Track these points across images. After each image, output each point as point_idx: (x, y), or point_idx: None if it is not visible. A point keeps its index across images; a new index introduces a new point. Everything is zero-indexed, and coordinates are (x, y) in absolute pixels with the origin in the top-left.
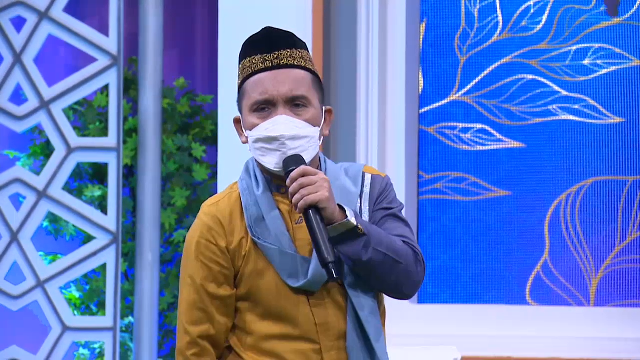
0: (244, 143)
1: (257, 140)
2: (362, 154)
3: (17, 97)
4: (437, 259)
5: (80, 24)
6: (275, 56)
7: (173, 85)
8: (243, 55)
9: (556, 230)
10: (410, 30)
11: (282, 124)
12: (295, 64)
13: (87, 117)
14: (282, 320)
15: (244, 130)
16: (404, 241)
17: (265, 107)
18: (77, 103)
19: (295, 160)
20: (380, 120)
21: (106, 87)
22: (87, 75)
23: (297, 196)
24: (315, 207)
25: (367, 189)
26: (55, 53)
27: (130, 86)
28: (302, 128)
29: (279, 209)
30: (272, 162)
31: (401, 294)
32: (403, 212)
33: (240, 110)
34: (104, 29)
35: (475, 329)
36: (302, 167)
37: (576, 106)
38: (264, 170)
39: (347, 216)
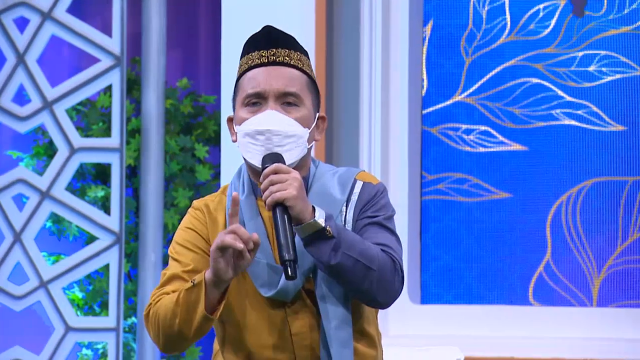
0: (234, 142)
1: (245, 135)
2: (364, 154)
3: (20, 97)
4: (439, 260)
5: (83, 25)
6: (272, 53)
7: (176, 86)
8: (242, 54)
9: (557, 232)
10: (413, 30)
11: (270, 118)
12: (292, 63)
13: (90, 117)
14: (257, 330)
15: (235, 128)
16: (382, 249)
17: (256, 102)
18: (80, 103)
19: (273, 158)
20: (383, 121)
21: (109, 88)
22: (90, 75)
23: (266, 193)
24: (283, 205)
25: (354, 197)
26: (58, 53)
27: (133, 87)
28: (290, 125)
29: (261, 215)
30: (257, 158)
31: (375, 303)
32: (399, 219)
33: (233, 107)
34: (106, 30)
35: (478, 329)
36: (275, 165)
37: (579, 112)
38: (252, 173)
39: (315, 217)
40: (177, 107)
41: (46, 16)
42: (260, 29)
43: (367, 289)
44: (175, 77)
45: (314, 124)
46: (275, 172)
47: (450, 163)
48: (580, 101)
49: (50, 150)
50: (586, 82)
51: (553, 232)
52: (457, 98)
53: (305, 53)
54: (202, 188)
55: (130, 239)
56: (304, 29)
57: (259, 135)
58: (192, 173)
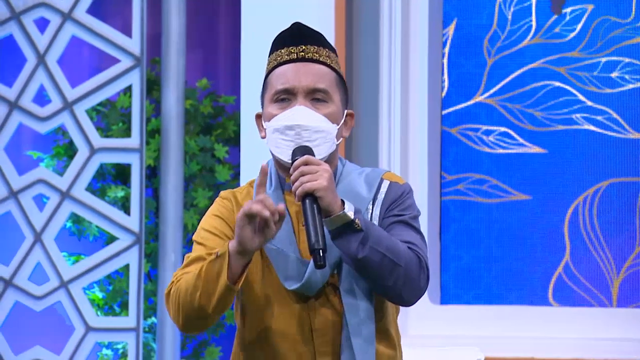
0: (263, 138)
1: (274, 131)
2: (384, 154)
3: (41, 98)
4: (459, 260)
5: (103, 25)
6: (301, 49)
7: (195, 86)
8: (271, 50)
9: (575, 233)
10: (432, 30)
11: (299, 113)
12: (321, 59)
13: (110, 118)
14: (279, 323)
15: (263, 124)
16: (409, 247)
17: (285, 98)
18: (100, 104)
19: (302, 151)
20: (402, 120)
21: (129, 88)
22: (110, 76)
23: (296, 183)
24: (313, 196)
25: (381, 195)
26: (78, 54)
27: (153, 87)
28: (319, 121)
29: (287, 210)
30: (286, 153)
31: (400, 299)
32: (420, 219)
33: (262, 104)
34: (126, 30)
35: (498, 329)
36: (306, 156)
37: (599, 117)
38: (280, 168)
39: (345, 209)
40: (196, 107)
41: (66, 17)
42: (289, 26)
43: (393, 284)
44: (195, 77)
45: (342, 120)
46: (306, 164)
47: (470, 164)
48: (601, 107)
49: (70, 151)
50: (607, 88)
51: (571, 234)
52: (478, 99)
53: (334, 50)
54: (222, 188)
55: (150, 239)
56: (323, 29)
57: (288, 130)
58: (212, 173)
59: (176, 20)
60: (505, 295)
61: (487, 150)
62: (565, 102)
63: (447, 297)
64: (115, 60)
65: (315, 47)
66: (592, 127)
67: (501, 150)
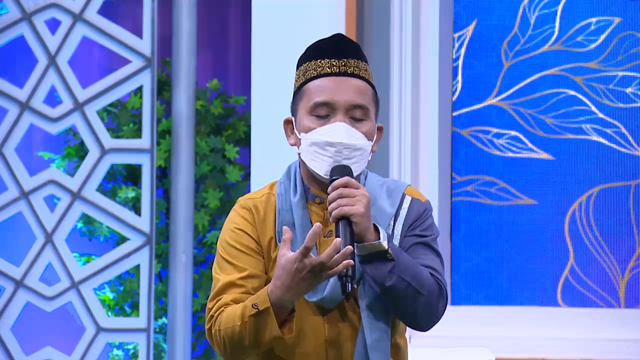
0: (292, 145)
1: (312, 144)
2: (395, 153)
3: (52, 98)
4: (470, 261)
5: (114, 26)
6: (343, 63)
7: (206, 87)
8: (308, 58)
9: (576, 237)
10: (443, 30)
11: (341, 131)
12: (360, 74)
13: (121, 118)
14: (294, 333)
15: (295, 132)
16: (431, 273)
17: (324, 111)
18: (111, 105)
19: (342, 171)
20: (413, 120)
21: (140, 89)
22: (120, 77)
23: (333, 204)
24: (348, 220)
25: (403, 212)
26: (89, 55)
27: (164, 88)
28: (359, 139)
29: (310, 220)
30: (323, 168)
31: (417, 325)
32: (438, 240)
33: (294, 111)
34: (137, 31)
35: (508, 330)
36: (346, 178)
37: (608, 130)
38: (307, 178)
39: (379, 238)
40: (207, 108)
41: (77, 18)
42: (329, 36)
43: (413, 312)
44: (205, 78)
45: (375, 135)
46: (345, 186)
47: (480, 165)
48: (611, 120)
49: (81, 152)
50: (620, 103)
51: (572, 238)
52: (491, 101)
53: (367, 61)
54: (233, 189)
55: (160, 240)
56: (333, 30)
57: (328, 146)
58: (223, 174)
59: (187, 20)
60: (515, 296)
61: (497, 153)
62: (577, 111)
63: (457, 298)
64: (126, 61)
65: (356, 60)
66: (600, 139)
67: (511, 154)
